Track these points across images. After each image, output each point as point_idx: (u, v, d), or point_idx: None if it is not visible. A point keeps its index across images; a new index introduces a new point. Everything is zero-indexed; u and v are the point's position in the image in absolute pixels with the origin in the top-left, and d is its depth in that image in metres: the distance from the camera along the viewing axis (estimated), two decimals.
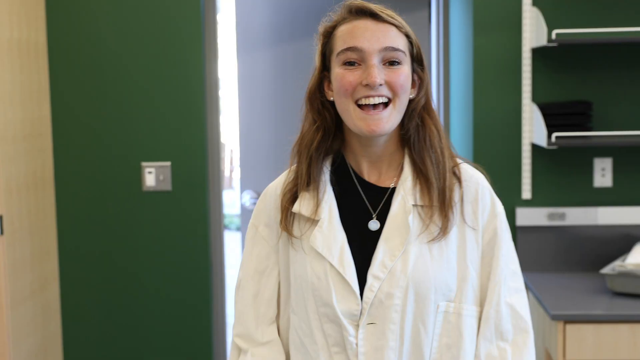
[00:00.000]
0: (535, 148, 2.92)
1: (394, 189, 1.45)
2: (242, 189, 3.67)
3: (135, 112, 3.03)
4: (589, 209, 2.92)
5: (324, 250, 1.41)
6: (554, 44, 2.67)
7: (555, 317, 2.38)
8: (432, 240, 1.39)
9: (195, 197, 3.05)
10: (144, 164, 3.04)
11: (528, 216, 2.88)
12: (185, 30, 3.00)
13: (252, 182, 3.64)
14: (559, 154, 2.92)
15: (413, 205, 1.41)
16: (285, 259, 1.49)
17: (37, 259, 2.86)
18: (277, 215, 1.49)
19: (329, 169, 1.48)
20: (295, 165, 1.50)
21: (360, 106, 1.37)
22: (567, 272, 2.88)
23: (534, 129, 2.85)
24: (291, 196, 1.47)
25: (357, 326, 1.39)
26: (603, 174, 2.97)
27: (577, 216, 2.92)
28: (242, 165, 3.72)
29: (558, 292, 2.59)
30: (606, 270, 2.61)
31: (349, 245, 1.42)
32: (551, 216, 2.90)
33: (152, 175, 3.08)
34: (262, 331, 1.50)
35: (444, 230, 1.39)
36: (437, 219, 1.40)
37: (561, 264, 2.90)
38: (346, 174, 1.47)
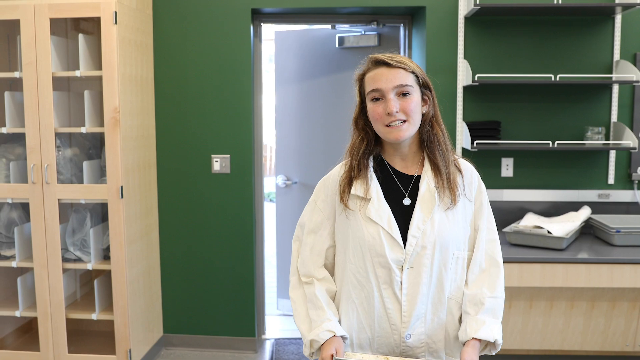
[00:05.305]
0: (464, 150, 3.20)
1: (418, 177, 1.58)
2: (277, 174, 4.02)
3: (208, 124, 3.32)
4: (498, 190, 3.25)
5: (377, 219, 1.54)
6: (477, 84, 3.01)
7: None
8: (447, 209, 1.54)
9: (245, 178, 3.34)
10: (212, 155, 3.33)
11: None
12: (241, 72, 3.29)
13: (283, 169, 4.02)
14: (479, 154, 3.20)
15: (434, 186, 1.55)
16: (341, 225, 1.62)
17: (144, 214, 3.19)
18: (333, 195, 1.62)
19: (372, 164, 1.60)
20: (347, 160, 1.62)
21: (387, 125, 1.53)
22: None
23: (463, 138, 3.13)
24: (347, 183, 1.59)
25: (400, 269, 1.53)
26: (507, 168, 3.24)
27: (490, 195, 3.14)
28: (276, 159, 4.03)
29: None
30: (507, 229, 2.97)
31: None
32: None
33: (218, 163, 3.32)
34: (318, 272, 1.66)
35: (454, 201, 1.54)
36: (448, 194, 1.54)
37: None
38: (384, 167, 1.61)
